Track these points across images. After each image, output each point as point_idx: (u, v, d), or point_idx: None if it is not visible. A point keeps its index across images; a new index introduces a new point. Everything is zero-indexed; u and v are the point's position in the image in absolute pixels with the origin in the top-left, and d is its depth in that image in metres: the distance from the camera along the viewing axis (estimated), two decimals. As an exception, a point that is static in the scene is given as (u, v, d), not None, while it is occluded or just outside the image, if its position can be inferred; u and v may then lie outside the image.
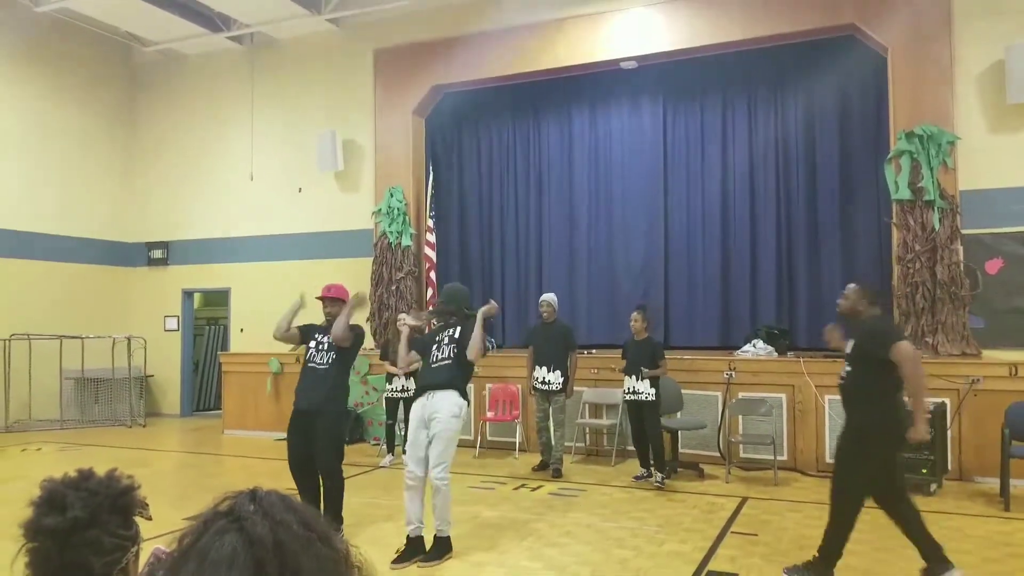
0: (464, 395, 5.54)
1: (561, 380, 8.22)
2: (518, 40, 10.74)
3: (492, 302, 6.05)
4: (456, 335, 5.58)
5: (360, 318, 11.08)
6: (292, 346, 6.38)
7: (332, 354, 5.92)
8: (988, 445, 7.35)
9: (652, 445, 7.69)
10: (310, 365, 5.99)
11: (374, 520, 6.49)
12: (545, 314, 8.44)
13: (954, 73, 8.74)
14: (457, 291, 5.99)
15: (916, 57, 8.86)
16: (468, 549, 5.61)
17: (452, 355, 5.53)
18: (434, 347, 5.63)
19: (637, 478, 7.83)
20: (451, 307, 5.81)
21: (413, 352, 5.84)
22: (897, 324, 4.99)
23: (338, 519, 5.76)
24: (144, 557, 1.79)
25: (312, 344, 6.05)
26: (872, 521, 6.22)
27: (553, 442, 8.30)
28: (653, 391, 7.70)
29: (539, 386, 8.28)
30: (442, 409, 5.40)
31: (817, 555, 4.86)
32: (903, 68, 8.94)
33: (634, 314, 8.00)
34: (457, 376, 5.51)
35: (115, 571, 1.61)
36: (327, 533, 1.14)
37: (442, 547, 5.36)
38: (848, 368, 4.84)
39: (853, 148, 9.83)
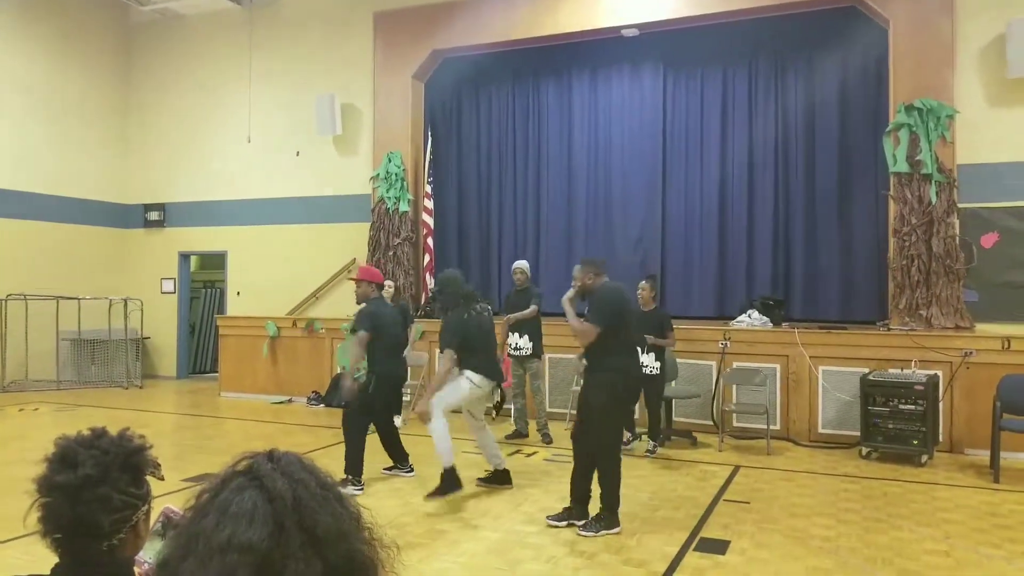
0: (476, 370, 6.14)
1: (531, 345, 8.24)
2: (520, 5, 10.63)
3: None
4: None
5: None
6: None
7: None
8: (979, 417, 7.45)
9: (651, 415, 7.72)
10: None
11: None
12: (518, 281, 8.50)
13: (955, 47, 8.71)
14: (445, 279, 6.45)
15: (918, 30, 8.82)
16: (465, 513, 5.70)
17: None
18: None
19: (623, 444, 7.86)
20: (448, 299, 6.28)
21: None
22: (616, 292, 5.61)
23: (349, 471, 6.33)
24: (154, 516, 1.83)
25: None
26: (862, 491, 6.35)
27: (536, 408, 8.37)
28: (659, 364, 7.64)
29: (513, 352, 8.33)
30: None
31: (603, 507, 5.25)
32: (904, 41, 8.90)
33: (643, 283, 7.93)
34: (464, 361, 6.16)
35: (124, 529, 1.64)
36: (342, 494, 1.18)
37: (444, 480, 5.94)
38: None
39: (853, 120, 9.81)
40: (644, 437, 7.79)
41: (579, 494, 5.38)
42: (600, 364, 5.34)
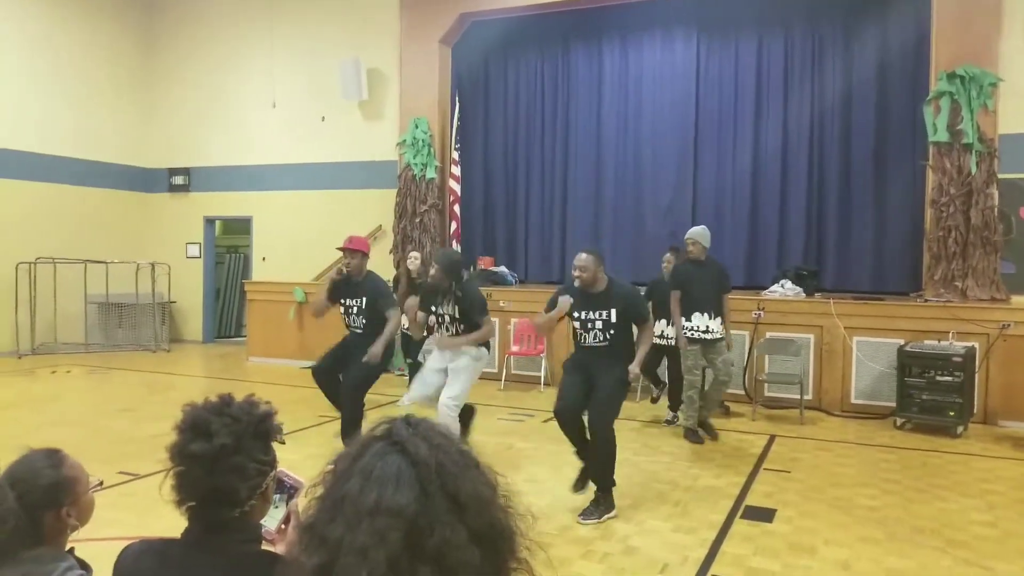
0: (486, 346, 5.96)
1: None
2: (550, -32, 10.47)
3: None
4: (457, 314, 5.82)
5: (383, 250, 11.11)
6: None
7: (363, 319, 6.35)
8: (1015, 389, 7.43)
9: (674, 384, 7.68)
10: (351, 329, 6.47)
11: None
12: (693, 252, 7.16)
13: (1001, 12, 8.53)
14: (452, 261, 5.97)
15: (962, -6, 8.64)
16: (507, 478, 5.72)
17: (459, 331, 5.84)
18: (435, 320, 5.93)
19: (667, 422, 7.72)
20: (447, 279, 5.80)
21: (422, 314, 6.07)
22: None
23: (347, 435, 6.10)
24: None
25: (343, 309, 6.45)
26: (901, 461, 6.34)
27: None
28: None
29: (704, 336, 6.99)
30: (465, 355, 5.83)
31: (599, 492, 5.03)
32: (948, 6, 8.71)
33: (667, 255, 7.87)
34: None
35: (256, 495, 1.66)
36: (480, 461, 1.17)
37: None
38: (611, 331, 5.09)
39: (891, 88, 9.64)
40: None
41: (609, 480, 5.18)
42: (628, 351, 5.16)
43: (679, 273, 7.16)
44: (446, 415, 5.65)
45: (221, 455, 1.60)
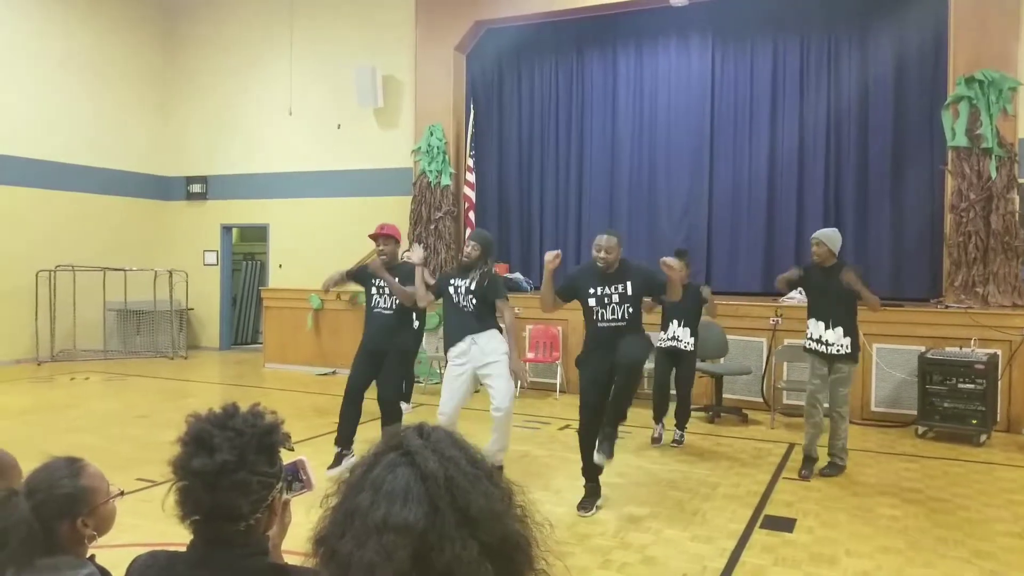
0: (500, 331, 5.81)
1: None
2: (565, -26, 10.46)
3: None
4: (473, 286, 5.70)
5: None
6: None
7: (396, 299, 6.13)
8: (1039, 397, 7.32)
9: (681, 397, 7.20)
10: (376, 310, 6.23)
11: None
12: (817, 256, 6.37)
13: (1020, 14, 8.44)
14: (489, 239, 5.99)
15: (980, -3, 8.57)
16: (524, 487, 5.69)
17: (472, 305, 5.71)
18: (451, 291, 5.78)
19: (655, 440, 7.15)
20: (482, 255, 5.80)
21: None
22: None
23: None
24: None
25: (374, 289, 6.24)
26: (922, 470, 6.26)
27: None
28: (693, 340, 7.16)
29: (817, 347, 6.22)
30: (495, 350, 5.68)
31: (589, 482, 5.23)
32: (965, 9, 8.64)
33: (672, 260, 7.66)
34: (488, 317, 5.76)
35: (261, 508, 1.62)
36: (493, 472, 1.16)
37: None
38: (629, 308, 5.14)
39: (908, 92, 9.56)
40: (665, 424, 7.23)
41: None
42: (639, 334, 5.26)
43: (805, 274, 6.40)
44: (506, 412, 5.59)
45: (223, 471, 1.55)
